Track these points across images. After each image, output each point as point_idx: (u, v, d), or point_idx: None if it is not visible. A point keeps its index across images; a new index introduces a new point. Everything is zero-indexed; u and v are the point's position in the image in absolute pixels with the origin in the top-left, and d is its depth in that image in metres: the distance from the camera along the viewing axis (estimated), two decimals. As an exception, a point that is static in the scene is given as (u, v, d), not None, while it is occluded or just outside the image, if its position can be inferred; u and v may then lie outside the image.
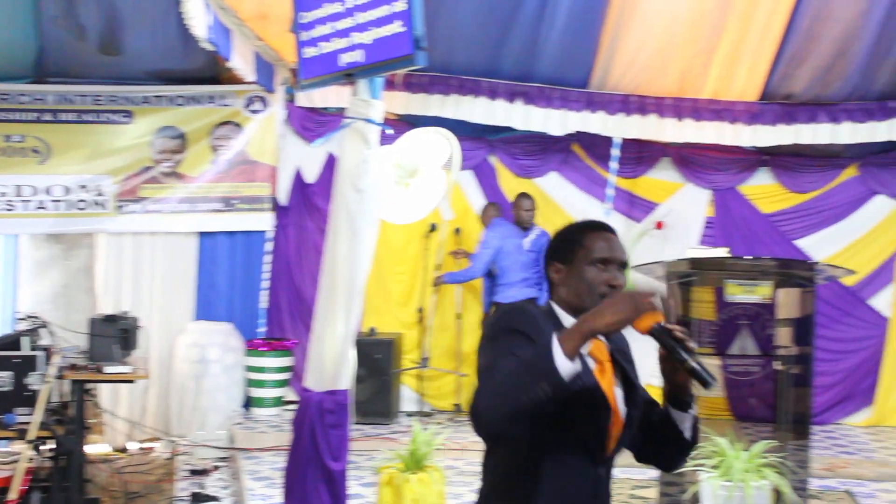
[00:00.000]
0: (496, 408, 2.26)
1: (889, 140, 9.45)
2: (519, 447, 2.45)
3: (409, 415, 9.56)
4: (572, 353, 2.20)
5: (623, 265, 2.57)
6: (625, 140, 9.75)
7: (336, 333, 4.70)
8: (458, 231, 9.83)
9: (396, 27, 4.55)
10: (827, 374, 9.83)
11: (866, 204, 10.11)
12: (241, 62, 8.08)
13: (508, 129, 9.77)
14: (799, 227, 10.12)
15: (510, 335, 2.43)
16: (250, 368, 9.34)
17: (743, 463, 5.40)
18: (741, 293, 6.08)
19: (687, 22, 8.49)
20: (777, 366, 6.28)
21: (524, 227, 9.21)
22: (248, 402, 9.41)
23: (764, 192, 10.22)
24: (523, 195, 9.33)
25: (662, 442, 2.62)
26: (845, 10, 8.16)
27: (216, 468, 8.14)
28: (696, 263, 6.04)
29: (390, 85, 8.86)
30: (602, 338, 2.50)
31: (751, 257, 6.60)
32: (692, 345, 2.37)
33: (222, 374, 9.07)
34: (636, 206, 10.19)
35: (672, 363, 2.41)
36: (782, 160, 10.12)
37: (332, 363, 4.70)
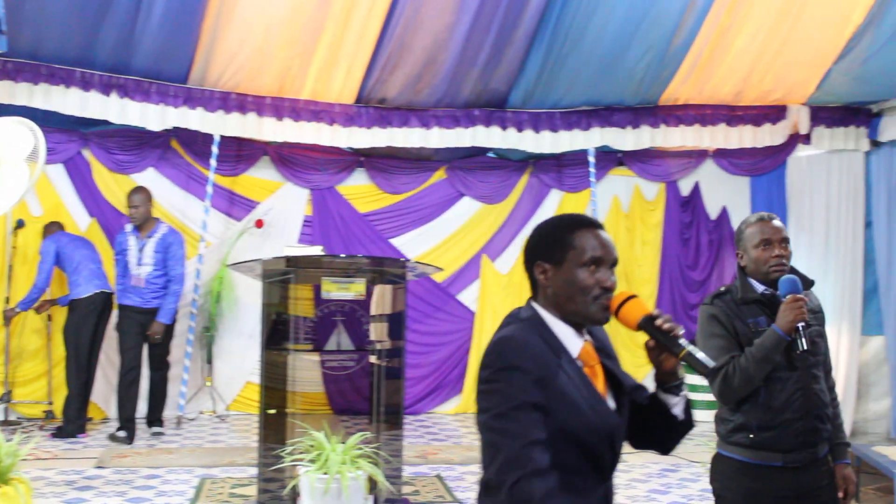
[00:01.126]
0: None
1: (473, 146, 10.06)
2: None
3: (-6, 425, 8.91)
4: None
5: (615, 264, 2.43)
6: (224, 138, 9.65)
7: None
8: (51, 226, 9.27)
9: (-27, 8, 4.22)
10: (420, 366, 10.36)
11: (455, 205, 10.74)
12: None
13: (104, 122, 9.34)
14: (393, 226, 10.55)
15: (514, 374, 2.26)
16: None
17: (339, 455, 5.54)
18: (337, 290, 6.24)
19: (286, 22, 8.57)
20: (372, 360, 6.51)
21: (135, 224, 8.82)
22: None
23: (360, 192, 10.56)
24: (132, 190, 8.96)
25: (654, 426, 2.55)
26: (434, 21, 8.58)
27: None
28: (292, 261, 6.11)
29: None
30: (589, 337, 2.47)
31: (345, 255, 6.77)
32: (681, 332, 2.39)
33: None
34: (236, 205, 10.16)
35: (659, 352, 2.44)
36: (377, 162, 10.51)
37: None
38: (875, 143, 10.19)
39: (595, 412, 2.34)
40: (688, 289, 10.86)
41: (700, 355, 2.38)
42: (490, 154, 10.74)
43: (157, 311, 8.73)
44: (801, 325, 3.58)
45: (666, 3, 8.32)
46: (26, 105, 8.68)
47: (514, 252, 10.74)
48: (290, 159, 10.25)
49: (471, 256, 10.70)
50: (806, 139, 10.24)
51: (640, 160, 10.70)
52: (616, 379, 2.49)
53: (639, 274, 10.80)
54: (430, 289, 10.50)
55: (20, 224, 9.05)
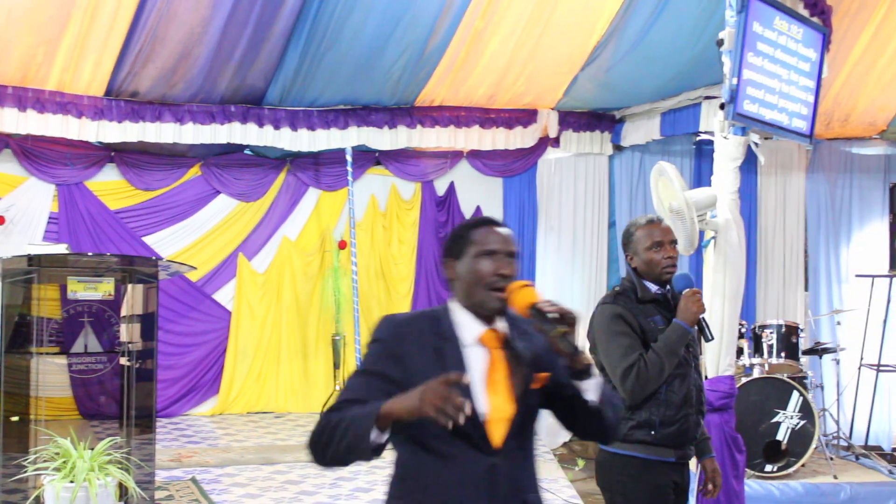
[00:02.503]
0: (321, 450, 2.48)
1: (229, 142, 9.91)
2: (406, 447, 2.60)
3: None
4: (384, 428, 2.36)
5: (512, 255, 2.63)
6: (-40, 129, 9.09)
7: None
8: None
9: None
10: (174, 367, 10.12)
11: (210, 202, 10.53)
12: None
13: None
14: (146, 223, 10.24)
15: (371, 345, 2.62)
16: None
17: (87, 462, 5.31)
18: (84, 290, 5.99)
19: (28, 7, 8.13)
20: (122, 361, 6.30)
21: None
22: None
23: (111, 188, 10.17)
24: None
25: (578, 414, 2.67)
26: (188, 14, 8.38)
27: None
28: (35, 260, 5.82)
29: None
30: (498, 326, 2.65)
31: (93, 254, 6.51)
32: (556, 315, 2.52)
33: None
34: (-28, 201, 9.59)
35: (544, 333, 2.56)
36: (129, 157, 10.16)
37: None
38: (618, 147, 10.79)
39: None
40: (443, 286, 11.09)
41: (571, 339, 2.55)
42: (246, 151, 10.61)
43: None
44: (702, 316, 3.76)
45: (422, 5, 8.47)
46: None
47: (272, 250, 10.68)
48: (34, 153, 9.74)
49: (227, 255, 10.54)
50: (555, 142, 10.70)
51: (397, 160, 10.85)
52: (523, 365, 2.65)
53: (395, 272, 10.94)
54: (185, 288, 10.26)
55: None
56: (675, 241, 3.91)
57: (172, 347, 10.09)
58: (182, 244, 10.32)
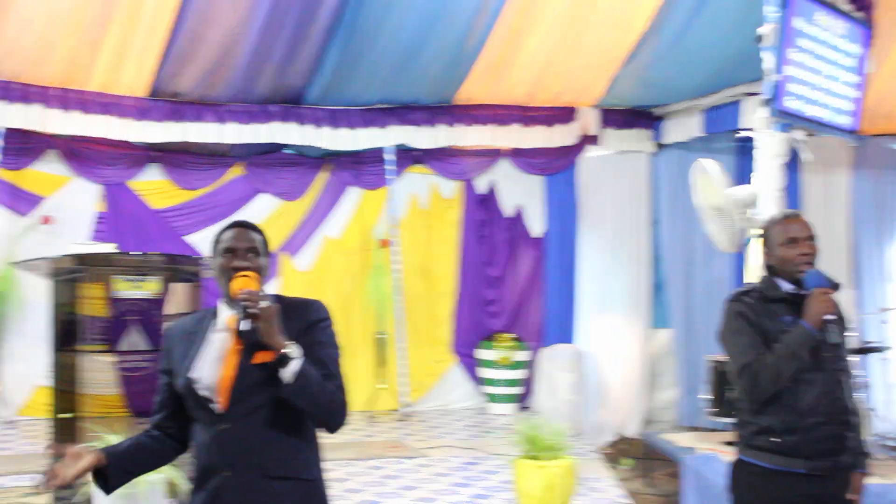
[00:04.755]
0: None
1: (270, 141, 9.96)
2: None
3: None
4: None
5: (251, 250, 3.01)
6: (8, 130, 9.19)
7: None
8: None
9: None
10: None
11: (252, 201, 10.58)
12: None
13: None
14: (189, 223, 10.32)
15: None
16: None
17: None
18: (129, 289, 6.05)
19: (71, 9, 8.21)
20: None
21: None
22: None
23: (154, 187, 10.26)
24: None
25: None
26: (228, 15, 8.43)
27: None
28: (82, 259, 5.88)
29: None
30: (234, 310, 2.93)
31: (138, 253, 6.56)
32: (251, 304, 2.79)
33: None
34: (21, 200, 9.70)
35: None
36: (171, 157, 10.24)
37: None
38: (659, 145, 10.69)
39: (184, 367, 2.97)
40: (485, 285, 11.08)
41: (243, 325, 2.80)
42: (287, 150, 10.65)
43: None
44: (830, 317, 3.53)
45: (460, 3, 8.46)
46: None
47: (314, 249, 10.71)
48: (79, 153, 9.86)
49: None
50: (595, 140, 10.62)
51: (437, 158, 10.85)
52: (248, 343, 2.92)
53: (437, 271, 10.94)
54: (226, 287, 10.31)
55: None
56: (812, 238, 3.73)
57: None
58: (224, 243, 10.38)
